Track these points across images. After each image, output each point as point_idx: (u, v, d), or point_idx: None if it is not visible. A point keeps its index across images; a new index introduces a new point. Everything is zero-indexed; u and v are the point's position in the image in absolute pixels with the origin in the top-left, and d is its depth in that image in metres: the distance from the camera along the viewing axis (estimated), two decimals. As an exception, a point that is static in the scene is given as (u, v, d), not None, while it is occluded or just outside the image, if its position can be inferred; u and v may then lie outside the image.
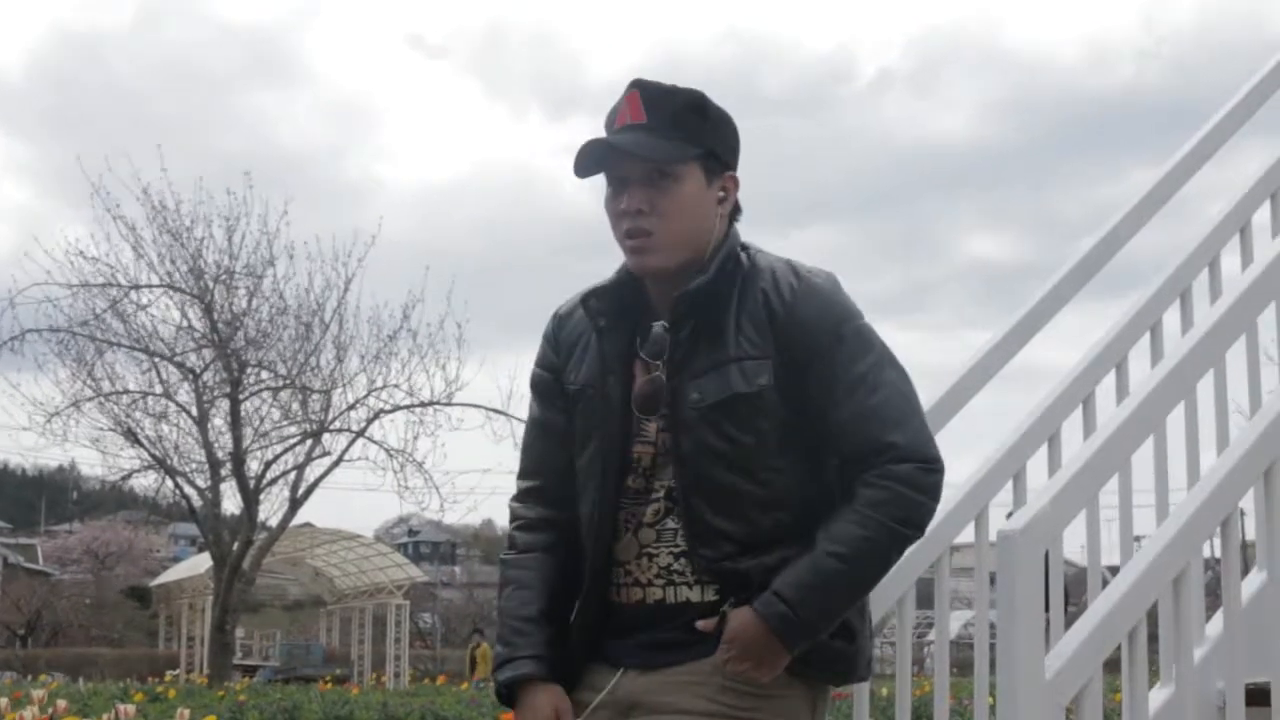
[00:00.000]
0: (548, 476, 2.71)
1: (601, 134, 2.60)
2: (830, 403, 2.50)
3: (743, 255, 2.62)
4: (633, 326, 2.63)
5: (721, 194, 2.62)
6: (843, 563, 2.43)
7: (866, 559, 2.46)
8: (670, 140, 2.55)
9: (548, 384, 2.74)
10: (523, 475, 2.77)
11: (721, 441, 2.50)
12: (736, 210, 2.67)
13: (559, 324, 2.76)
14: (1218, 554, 2.92)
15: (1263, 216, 4.07)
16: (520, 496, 2.75)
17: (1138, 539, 3.29)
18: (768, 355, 2.51)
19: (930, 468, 2.50)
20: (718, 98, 2.66)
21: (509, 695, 2.59)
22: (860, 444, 2.49)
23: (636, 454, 2.57)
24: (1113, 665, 2.96)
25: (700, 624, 2.47)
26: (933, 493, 2.51)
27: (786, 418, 2.51)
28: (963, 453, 3.46)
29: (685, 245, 2.56)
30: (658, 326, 2.58)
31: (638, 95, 2.58)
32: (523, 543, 2.70)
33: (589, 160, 2.57)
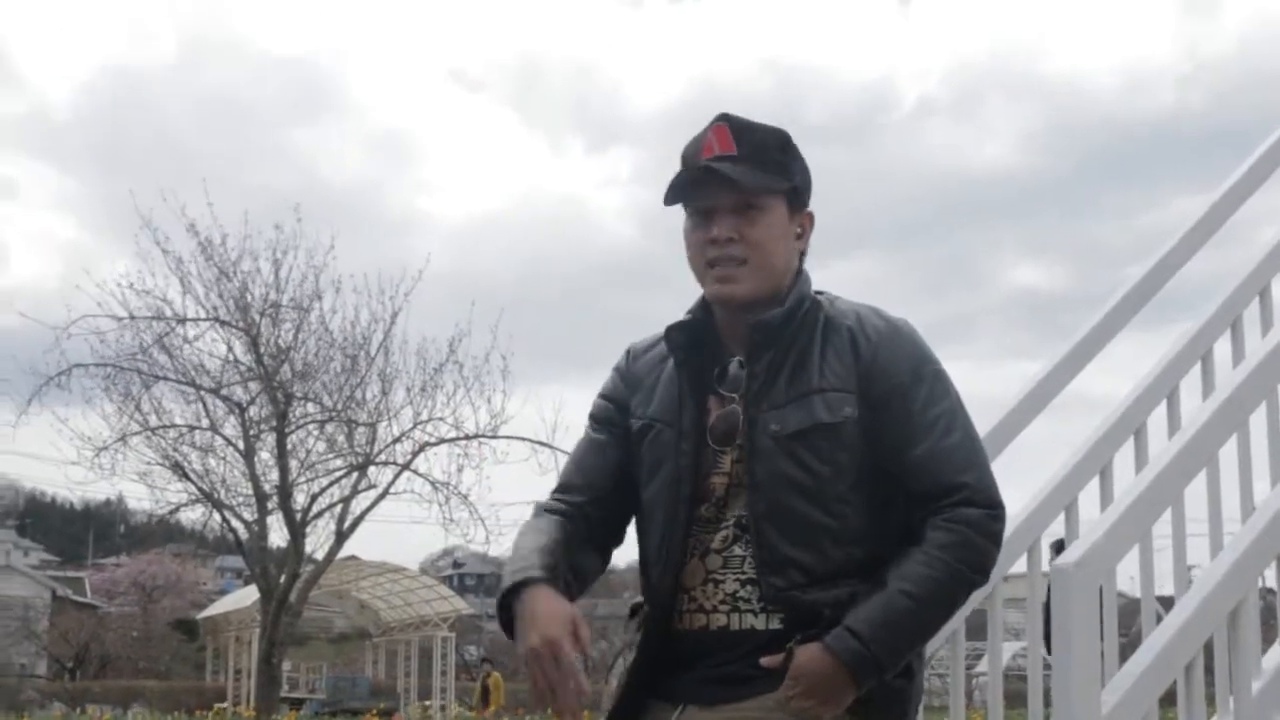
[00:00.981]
0: (587, 487, 2.71)
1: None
2: (905, 441, 2.52)
3: (821, 298, 2.65)
4: (704, 360, 2.66)
5: (799, 231, 2.67)
6: (914, 601, 2.43)
7: (935, 600, 2.46)
8: (762, 172, 2.58)
9: (609, 415, 2.76)
10: (562, 484, 2.75)
11: (798, 470, 2.51)
12: (805, 251, 2.70)
13: (631, 359, 2.80)
14: (1270, 584, 2.90)
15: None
16: (553, 494, 2.74)
17: (1191, 568, 3.27)
18: (851, 389, 2.53)
19: (996, 515, 2.51)
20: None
21: (511, 600, 2.48)
22: (932, 484, 2.50)
23: (712, 484, 2.58)
24: (1167, 698, 2.94)
25: (765, 660, 2.45)
26: (997, 540, 2.52)
27: (864, 453, 2.52)
28: (1015, 483, 3.45)
29: (769, 277, 2.59)
30: (734, 362, 2.62)
31: (726, 128, 2.61)
32: (545, 507, 2.69)
33: (679, 188, 2.61)
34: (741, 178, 2.56)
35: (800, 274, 2.66)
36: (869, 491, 2.53)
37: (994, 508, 2.50)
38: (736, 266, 2.57)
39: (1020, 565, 3.41)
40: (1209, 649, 2.89)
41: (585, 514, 2.69)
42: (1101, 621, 2.84)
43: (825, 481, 2.50)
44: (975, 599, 3.19)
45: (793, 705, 2.42)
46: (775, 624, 2.50)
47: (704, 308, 2.69)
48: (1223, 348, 3.82)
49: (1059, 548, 3.15)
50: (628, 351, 2.82)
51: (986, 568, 2.50)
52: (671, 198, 2.62)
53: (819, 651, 2.40)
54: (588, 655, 2.55)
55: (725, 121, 2.63)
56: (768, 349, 2.58)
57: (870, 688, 2.43)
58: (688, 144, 2.66)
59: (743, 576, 2.53)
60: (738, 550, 2.55)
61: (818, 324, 2.60)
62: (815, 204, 2.71)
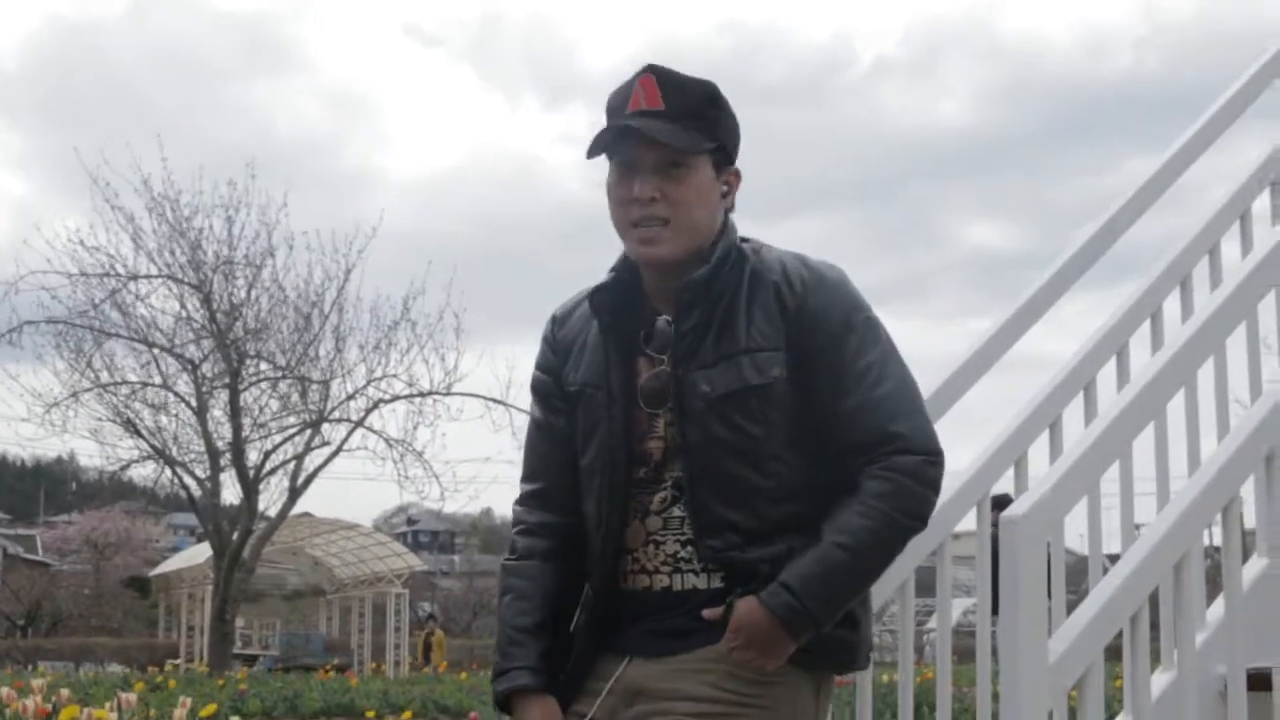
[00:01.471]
0: (549, 479, 2.72)
1: (602, 115, 2.60)
2: (837, 392, 2.51)
3: (746, 248, 2.62)
4: (632, 323, 2.63)
5: (725, 188, 2.63)
6: (848, 553, 2.43)
7: (871, 550, 2.46)
8: (688, 130, 2.54)
9: (547, 386, 2.74)
10: (525, 478, 2.77)
11: (730, 432, 2.50)
12: (731, 204, 2.67)
13: (556, 326, 2.77)
14: (1218, 542, 2.93)
15: (1263, 204, 4.09)
16: (522, 500, 2.76)
17: (1138, 527, 3.30)
18: (779, 346, 2.51)
19: (933, 461, 2.50)
20: (715, 88, 2.65)
21: (505, 705, 2.62)
22: (865, 434, 2.49)
23: (648, 448, 2.58)
24: (1114, 653, 2.98)
25: (706, 613, 2.47)
26: (935, 486, 2.52)
27: (796, 410, 2.52)
28: (963, 441, 3.47)
29: (692, 237, 2.55)
30: (661, 321, 2.59)
31: (653, 81, 2.56)
32: (523, 548, 2.71)
33: (602, 141, 2.56)
34: (667, 137, 2.50)
35: (725, 227, 2.62)
36: (806, 447, 2.53)
37: (930, 454, 2.50)
38: (660, 227, 2.53)
39: (969, 522, 3.42)
40: (1155, 605, 2.92)
41: (556, 531, 2.68)
42: (1050, 576, 2.87)
43: (758, 442, 2.50)
44: (920, 551, 3.22)
45: (734, 657, 2.44)
46: (717, 582, 2.51)
47: (628, 265, 2.65)
48: (1172, 305, 3.85)
49: (999, 503, 3.17)
50: (553, 318, 2.79)
51: (924, 514, 2.50)
52: (595, 152, 2.56)
53: (755, 605, 2.41)
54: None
55: (652, 73, 2.57)
56: (695, 307, 2.55)
57: (811, 638, 2.45)
58: (613, 93, 2.61)
59: (683, 537, 2.54)
60: (676, 511, 2.55)
61: (744, 277, 2.57)
62: (772, 162, 2.71)
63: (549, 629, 2.63)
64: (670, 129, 2.52)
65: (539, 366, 2.77)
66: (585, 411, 2.64)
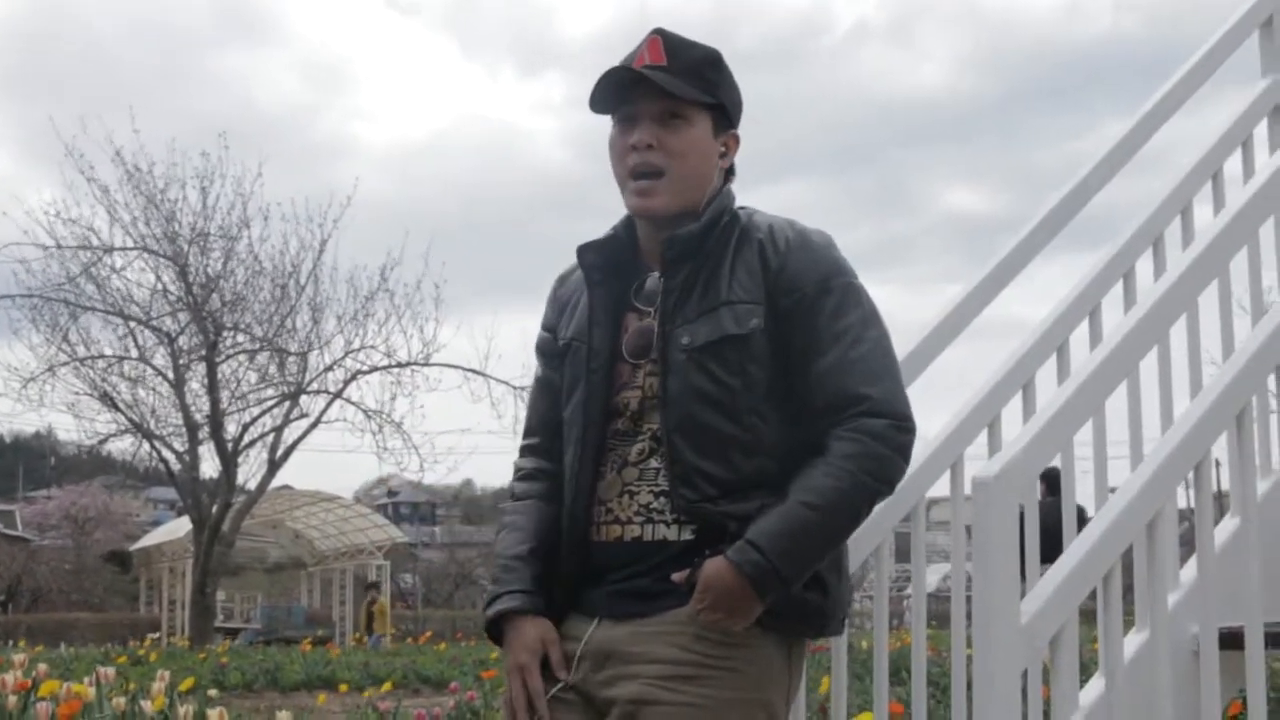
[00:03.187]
0: (546, 432, 2.78)
1: (580, 84, 2.64)
2: (812, 352, 2.53)
3: (740, 213, 2.67)
4: (626, 278, 2.70)
5: (723, 149, 2.69)
6: (814, 512, 2.44)
7: (838, 510, 2.47)
8: (689, 84, 2.61)
9: (549, 344, 2.81)
10: (525, 433, 2.86)
11: (709, 383, 2.52)
12: (732, 171, 2.73)
13: (559, 285, 2.85)
14: (1193, 504, 2.93)
15: (1234, 165, 4.08)
16: (522, 451, 2.84)
17: (1112, 490, 3.31)
18: (759, 301, 2.55)
19: (902, 426, 2.52)
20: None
21: (496, 630, 2.64)
22: (835, 395, 2.51)
23: (624, 399, 2.62)
24: (1088, 617, 2.98)
25: (674, 576, 2.47)
26: (903, 451, 2.53)
27: (774, 366, 2.55)
28: (935, 407, 3.47)
29: (687, 190, 2.62)
30: (652, 277, 2.65)
31: (659, 40, 2.64)
32: (520, 491, 2.78)
33: (606, 93, 2.63)
34: (667, 84, 2.57)
35: (723, 191, 2.68)
36: (782, 404, 2.55)
37: (899, 419, 2.52)
38: (655, 179, 2.60)
39: (943, 487, 3.42)
40: (1129, 568, 2.92)
41: (553, 476, 2.74)
42: (1023, 539, 2.87)
43: (735, 393, 2.52)
44: (893, 516, 3.22)
45: (702, 618, 2.45)
46: (687, 535, 2.53)
47: (627, 225, 2.72)
48: (1145, 266, 3.85)
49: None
50: (558, 277, 2.87)
51: (892, 478, 2.52)
52: (599, 102, 2.65)
53: (722, 564, 2.42)
54: (561, 675, 2.58)
55: (659, 35, 2.65)
56: (683, 263, 2.60)
57: (781, 601, 2.45)
58: (623, 58, 2.66)
59: (657, 488, 2.57)
60: (653, 463, 2.58)
61: (732, 237, 2.62)
62: (749, 128, 2.73)
63: (540, 556, 2.67)
64: (671, 79, 2.59)
65: (542, 325, 2.86)
66: (570, 365, 2.70)
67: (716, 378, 2.53)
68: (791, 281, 2.56)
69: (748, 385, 2.53)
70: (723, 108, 2.67)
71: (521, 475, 2.80)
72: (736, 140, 2.73)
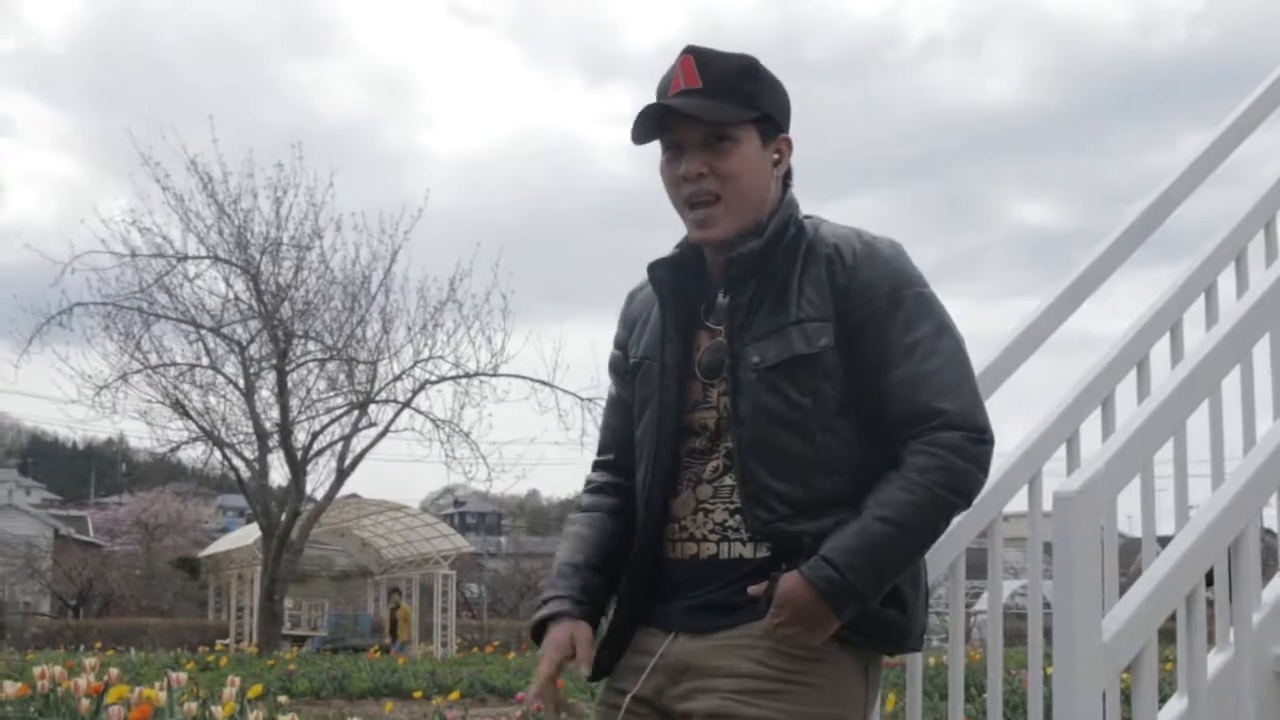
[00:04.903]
0: (618, 449, 2.79)
1: (644, 96, 2.62)
2: (884, 365, 2.50)
3: (806, 223, 2.62)
4: (696, 296, 2.67)
5: (776, 157, 2.63)
6: (891, 527, 2.41)
7: (914, 525, 2.44)
8: (727, 104, 2.54)
9: (620, 362, 2.81)
10: (599, 450, 2.87)
11: (780, 403, 2.50)
12: (789, 175, 2.68)
13: (630, 302, 2.84)
14: (1270, 525, 2.89)
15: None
16: (594, 466, 2.85)
17: (1192, 507, 3.26)
18: (828, 318, 2.51)
19: (979, 438, 2.48)
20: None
21: (539, 634, 2.65)
22: (910, 409, 2.48)
23: (701, 418, 2.59)
24: (1166, 636, 2.94)
25: (751, 589, 2.46)
26: (981, 463, 2.49)
27: (846, 381, 2.51)
28: (1012, 421, 3.44)
29: (746, 210, 2.57)
30: (720, 295, 2.61)
31: (691, 60, 2.58)
32: (587, 504, 2.79)
33: (647, 125, 2.58)
34: (703, 112, 2.53)
35: (785, 200, 2.64)
36: (857, 420, 2.52)
37: (977, 431, 2.47)
38: (712, 205, 2.56)
39: (1020, 503, 3.38)
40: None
41: (623, 492, 2.74)
42: (1103, 556, 2.83)
43: (807, 412, 2.49)
44: (969, 531, 3.19)
45: (779, 633, 2.43)
46: (763, 552, 2.51)
47: (690, 242, 2.68)
48: (1227, 281, 3.80)
49: None
50: (629, 295, 2.86)
51: (969, 491, 2.48)
52: (641, 135, 2.59)
53: (797, 580, 2.40)
54: (585, 670, 2.59)
55: (691, 54, 2.59)
56: (749, 281, 2.56)
57: (859, 616, 2.43)
58: (660, 81, 2.63)
59: (732, 506, 2.55)
60: (728, 480, 2.56)
61: (799, 251, 2.57)
62: (818, 142, 2.78)
63: (595, 567, 2.68)
64: (707, 104, 2.53)
65: (614, 342, 2.85)
66: (642, 383, 2.69)
67: (788, 397, 2.50)
68: (861, 295, 2.51)
69: (820, 403, 2.50)
70: (768, 116, 2.61)
71: (591, 488, 2.81)
72: (789, 143, 2.66)
